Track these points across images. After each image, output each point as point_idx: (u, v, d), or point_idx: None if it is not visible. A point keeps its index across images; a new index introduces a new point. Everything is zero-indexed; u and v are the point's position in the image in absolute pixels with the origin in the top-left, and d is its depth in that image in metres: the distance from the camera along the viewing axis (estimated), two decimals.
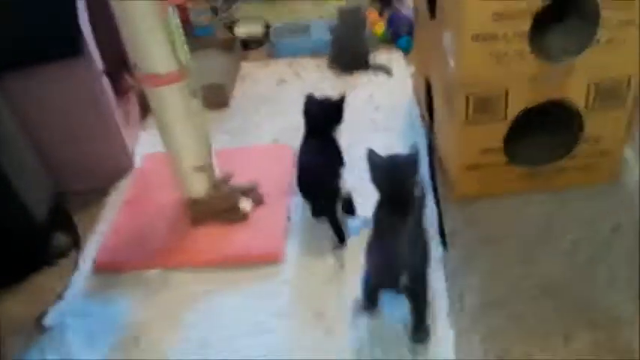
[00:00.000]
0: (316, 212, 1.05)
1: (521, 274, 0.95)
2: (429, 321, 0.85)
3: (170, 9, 0.89)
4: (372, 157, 0.86)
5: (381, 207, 0.86)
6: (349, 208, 1.05)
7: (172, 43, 0.91)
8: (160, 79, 0.94)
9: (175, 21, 0.91)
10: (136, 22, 0.89)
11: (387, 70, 1.50)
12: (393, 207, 0.84)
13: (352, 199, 1.04)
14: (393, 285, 0.81)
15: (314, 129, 1.07)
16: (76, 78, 1.10)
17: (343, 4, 1.59)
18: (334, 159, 1.05)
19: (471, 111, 0.97)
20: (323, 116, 1.06)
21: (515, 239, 1.01)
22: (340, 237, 1.01)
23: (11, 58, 1.04)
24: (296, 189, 1.07)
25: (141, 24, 0.89)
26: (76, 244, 1.11)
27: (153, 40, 0.90)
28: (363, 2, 1.56)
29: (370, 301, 0.89)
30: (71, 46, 1.05)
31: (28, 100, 1.09)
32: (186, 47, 0.95)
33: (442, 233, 1.02)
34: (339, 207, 1.02)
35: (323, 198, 1.02)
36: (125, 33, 0.92)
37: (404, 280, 0.79)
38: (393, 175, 0.84)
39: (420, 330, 0.85)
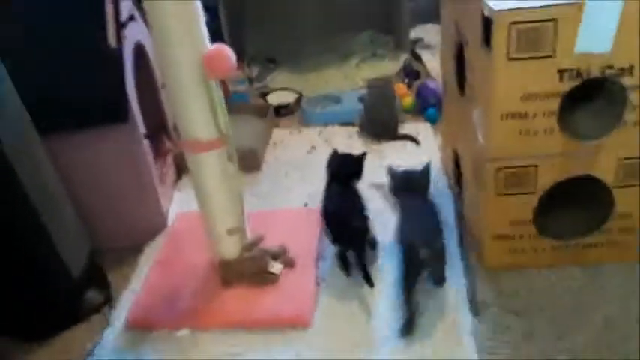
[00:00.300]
0: (342, 254, 1.11)
1: (552, 349, 0.94)
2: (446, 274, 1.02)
3: (214, 82, 0.95)
4: (392, 171, 1.15)
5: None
6: (373, 247, 1.13)
7: (214, 113, 0.96)
8: (200, 146, 0.99)
9: (218, 93, 0.97)
10: (183, 92, 0.94)
11: (415, 141, 1.54)
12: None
13: (377, 242, 1.12)
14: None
15: (337, 179, 1.17)
16: (119, 142, 1.16)
17: (373, 76, 1.67)
18: (357, 201, 1.13)
19: (500, 184, 1.00)
20: (345, 168, 1.18)
21: (546, 312, 1.00)
22: (368, 279, 1.03)
23: (60, 121, 1.10)
24: (326, 234, 1.14)
25: (187, 94, 0.94)
26: (109, 300, 1.13)
27: (196, 110, 0.95)
28: (391, 75, 1.63)
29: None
30: (118, 113, 1.11)
31: (71, 160, 1.14)
32: (226, 116, 1.00)
33: (472, 300, 1.03)
34: (367, 249, 1.08)
35: (351, 237, 1.07)
36: (171, 101, 0.98)
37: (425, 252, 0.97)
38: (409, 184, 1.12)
39: (440, 281, 1.01)
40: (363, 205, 1.12)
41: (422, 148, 1.52)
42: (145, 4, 0.89)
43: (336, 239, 1.11)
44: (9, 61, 0.96)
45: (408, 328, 0.98)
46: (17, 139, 0.97)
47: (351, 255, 1.09)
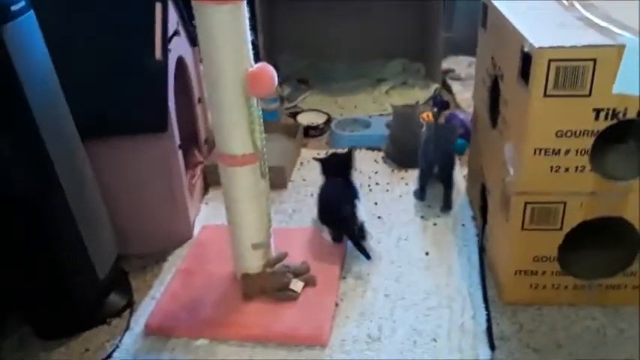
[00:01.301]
0: (337, 237, 1.25)
1: None
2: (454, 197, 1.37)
3: (255, 100, 0.98)
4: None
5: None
6: (361, 234, 1.21)
7: (252, 129, 0.98)
8: (235, 160, 1.01)
9: (258, 110, 0.99)
10: (224, 107, 0.97)
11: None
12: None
13: (364, 227, 1.21)
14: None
15: (329, 175, 1.33)
16: (156, 151, 1.19)
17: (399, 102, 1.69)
18: (349, 192, 1.26)
19: (527, 219, 1.00)
20: (333, 163, 1.34)
21: (565, 352, 0.99)
22: (364, 253, 1.20)
23: (101, 127, 1.14)
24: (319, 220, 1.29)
25: (228, 109, 0.97)
26: (130, 305, 1.15)
27: (235, 125, 0.98)
28: (418, 103, 1.64)
29: (422, 189, 1.41)
30: (158, 122, 1.15)
31: (106, 165, 1.17)
32: (262, 134, 1.02)
33: (490, 334, 1.02)
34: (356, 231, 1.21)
35: (341, 223, 1.21)
36: (212, 114, 1.01)
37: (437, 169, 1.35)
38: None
39: (448, 204, 1.38)
40: (355, 195, 1.25)
41: None
42: (197, 20, 0.92)
43: (326, 223, 1.26)
44: (59, 67, 1.00)
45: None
46: (61, 142, 1.00)
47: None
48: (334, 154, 1.38)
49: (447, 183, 1.38)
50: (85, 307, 1.10)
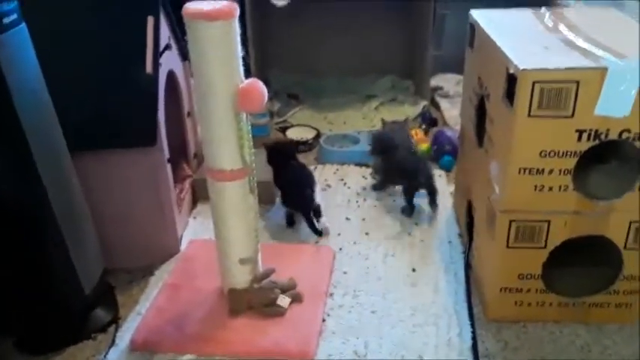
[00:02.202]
0: (291, 222, 1.42)
1: None
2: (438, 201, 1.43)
3: (244, 115, 0.99)
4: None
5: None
6: (317, 214, 1.39)
7: (241, 145, 0.99)
8: (224, 175, 1.02)
9: (247, 125, 1.00)
10: (214, 121, 0.98)
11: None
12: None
13: (320, 208, 1.39)
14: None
15: (274, 162, 1.47)
16: (145, 164, 1.19)
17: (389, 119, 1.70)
18: (310, 176, 1.43)
19: (512, 237, 1.01)
20: (280, 152, 1.48)
21: None
22: (314, 229, 1.36)
23: (90, 140, 1.14)
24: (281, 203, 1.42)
25: (218, 124, 0.98)
26: (116, 320, 1.14)
27: (225, 140, 0.99)
28: (407, 119, 1.66)
29: (410, 202, 1.45)
30: (147, 136, 1.15)
31: (95, 178, 1.17)
32: (252, 149, 1.03)
33: (475, 351, 1.03)
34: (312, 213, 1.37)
35: (305, 204, 1.37)
36: (201, 129, 1.02)
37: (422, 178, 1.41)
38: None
39: (434, 204, 1.43)
40: (314, 180, 1.41)
41: None
42: (189, 35, 0.93)
43: (289, 206, 1.40)
44: (49, 79, 1.00)
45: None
46: (49, 155, 1.00)
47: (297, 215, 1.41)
48: (277, 143, 1.54)
49: (431, 189, 1.44)
50: (70, 321, 1.09)
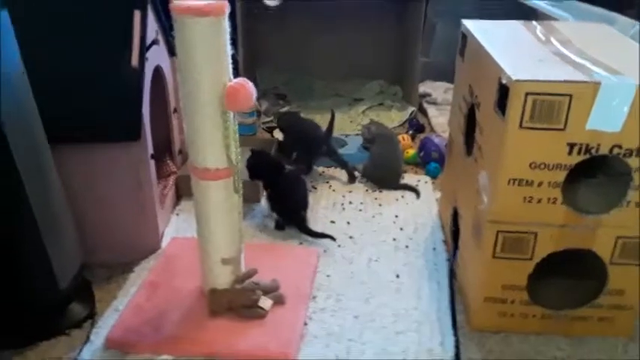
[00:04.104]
0: (281, 227, 1.40)
1: None
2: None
3: (231, 114, 0.97)
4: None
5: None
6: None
7: (227, 144, 0.97)
8: (208, 174, 1.00)
9: (234, 125, 0.98)
10: (200, 120, 0.95)
11: (416, 192, 1.56)
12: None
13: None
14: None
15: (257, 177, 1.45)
16: (127, 159, 1.16)
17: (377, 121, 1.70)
18: (304, 187, 1.43)
19: (499, 247, 1.01)
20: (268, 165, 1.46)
21: None
22: (318, 236, 1.35)
23: (71, 132, 1.11)
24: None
25: (204, 123, 0.95)
26: (91, 315, 1.12)
27: (211, 138, 0.97)
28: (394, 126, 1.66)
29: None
30: (131, 131, 1.12)
31: (76, 172, 1.14)
32: (238, 148, 1.01)
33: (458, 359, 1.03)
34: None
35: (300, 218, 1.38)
36: (187, 127, 0.99)
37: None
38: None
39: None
40: (307, 194, 1.43)
41: (419, 201, 1.53)
42: (176, 31, 0.91)
43: (278, 214, 1.41)
44: (30, 68, 0.97)
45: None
46: (28, 145, 0.97)
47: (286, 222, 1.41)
48: (262, 156, 1.48)
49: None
50: (43, 316, 1.06)
